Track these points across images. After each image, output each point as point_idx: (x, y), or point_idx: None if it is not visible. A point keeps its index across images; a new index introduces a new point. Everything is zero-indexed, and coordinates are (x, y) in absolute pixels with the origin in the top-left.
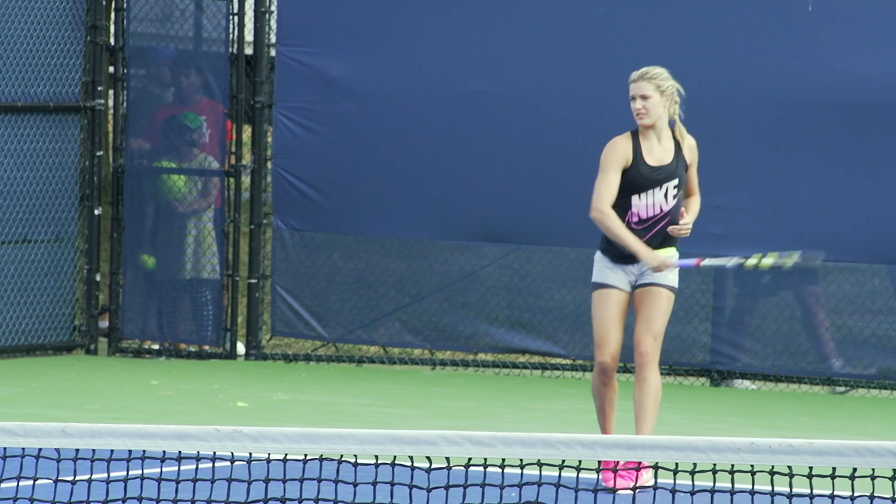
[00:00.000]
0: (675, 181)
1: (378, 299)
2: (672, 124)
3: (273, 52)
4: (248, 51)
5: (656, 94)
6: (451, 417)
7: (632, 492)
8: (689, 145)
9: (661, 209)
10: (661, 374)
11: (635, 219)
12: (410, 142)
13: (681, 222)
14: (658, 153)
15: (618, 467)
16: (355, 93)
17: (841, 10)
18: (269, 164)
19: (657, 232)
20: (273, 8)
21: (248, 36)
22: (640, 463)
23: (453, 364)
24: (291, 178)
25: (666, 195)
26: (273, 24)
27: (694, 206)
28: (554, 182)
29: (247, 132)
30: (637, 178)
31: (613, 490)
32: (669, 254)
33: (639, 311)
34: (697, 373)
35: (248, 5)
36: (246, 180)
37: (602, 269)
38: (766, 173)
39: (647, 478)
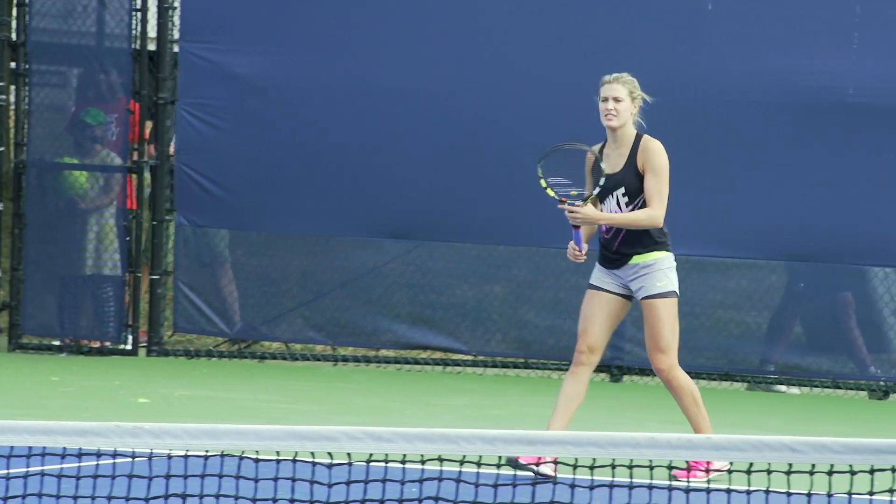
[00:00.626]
0: (622, 189)
1: (280, 295)
2: (641, 129)
3: (176, 49)
4: (152, 47)
5: (628, 98)
6: (353, 413)
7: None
8: (644, 148)
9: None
10: (562, 369)
11: (603, 227)
12: (314, 139)
13: (582, 208)
14: (613, 160)
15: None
16: (259, 89)
17: (743, 11)
18: (171, 161)
19: (622, 240)
20: (176, 4)
21: (152, 32)
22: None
23: (355, 360)
24: (194, 174)
25: (618, 203)
26: (176, 20)
27: (634, 213)
28: (456, 179)
29: (150, 128)
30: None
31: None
32: (646, 261)
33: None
34: (598, 369)
35: (152, 1)
36: (148, 176)
37: (595, 271)
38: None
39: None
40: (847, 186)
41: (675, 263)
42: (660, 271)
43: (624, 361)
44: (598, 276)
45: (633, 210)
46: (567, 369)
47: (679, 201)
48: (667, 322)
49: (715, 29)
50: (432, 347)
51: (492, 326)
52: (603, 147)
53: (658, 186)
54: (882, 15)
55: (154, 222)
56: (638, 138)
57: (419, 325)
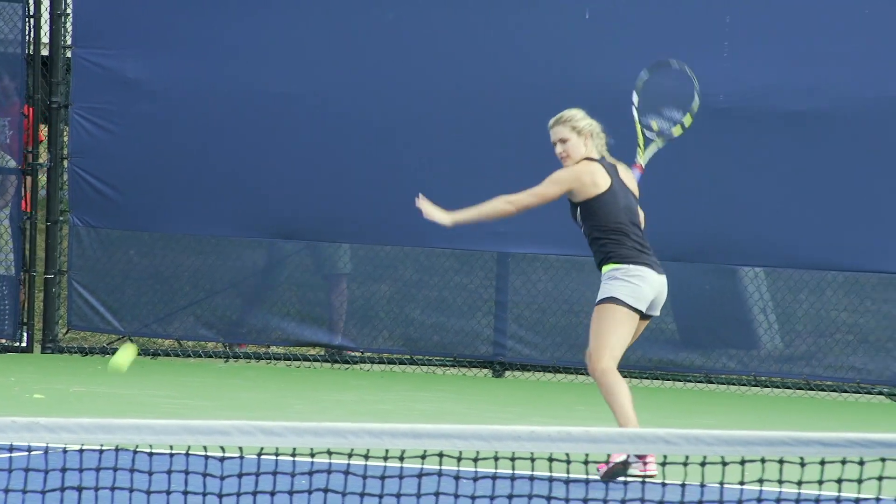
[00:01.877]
0: (570, 205)
1: (173, 294)
2: (612, 150)
3: (69, 54)
4: (45, 52)
5: (573, 134)
6: (244, 408)
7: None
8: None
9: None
10: (446, 365)
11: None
12: (206, 142)
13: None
14: None
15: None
16: (151, 94)
17: (618, 22)
18: (65, 163)
19: (593, 253)
20: (69, 11)
21: (45, 38)
22: None
23: (246, 357)
24: (88, 176)
25: (576, 219)
26: (69, 26)
27: (490, 203)
28: (344, 181)
29: (43, 132)
30: None
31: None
32: (605, 270)
33: None
34: (481, 364)
35: (45, 7)
36: (43, 178)
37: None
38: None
39: None
40: (718, 189)
41: (623, 273)
42: (604, 280)
43: (506, 358)
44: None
45: (577, 222)
46: (450, 365)
47: (557, 203)
48: (596, 326)
49: (591, 39)
50: (321, 344)
51: (378, 324)
52: None
53: (540, 185)
54: (750, 25)
55: (48, 223)
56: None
57: (308, 322)
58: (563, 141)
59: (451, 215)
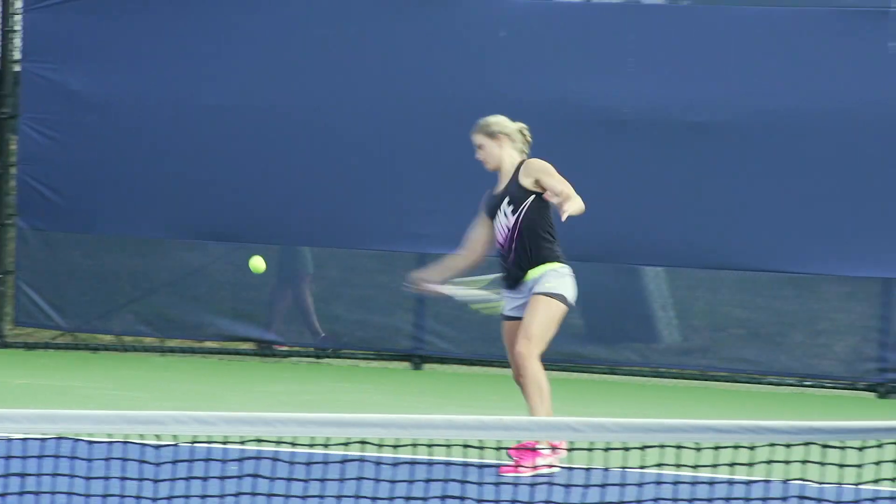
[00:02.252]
0: (507, 199)
1: (113, 293)
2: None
3: (18, 68)
4: None
5: (486, 139)
6: (180, 399)
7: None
8: (524, 168)
9: (506, 228)
10: (368, 359)
11: (497, 248)
12: (145, 149)
13: (569, 202)
14: (502, 184)
15: None
16: (95, 105)
17: (531, 39)
18: (12, 170)
19: (514, 261)
20: (17, 28)
21: None
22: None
23: (181, 351)
24: (34, 182)
25: (504, 213)
26: (17, 41)
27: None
28: (273, 185)
29: None
30: (487, 209)
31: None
32: (537, 274)
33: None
34: (401, 357)
35: None
36: None
37: (504, 300)
38: (457, 189)
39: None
40: (621, 193)
41: (568, 272)
42: (551, 274)
43: (424, 351)
44: (507, 303)
45: (516, 214)
46: (372, 358)
47: (471, 207)
48: (541, 316)
49: (508, 57)
50: (252, 339)
51: (303, 321)
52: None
53: (558, 179)
54: (652, 41)
55: None
56: (520, 164)
57: (240, 319)
58: (480, 147)
59: (579, 200)
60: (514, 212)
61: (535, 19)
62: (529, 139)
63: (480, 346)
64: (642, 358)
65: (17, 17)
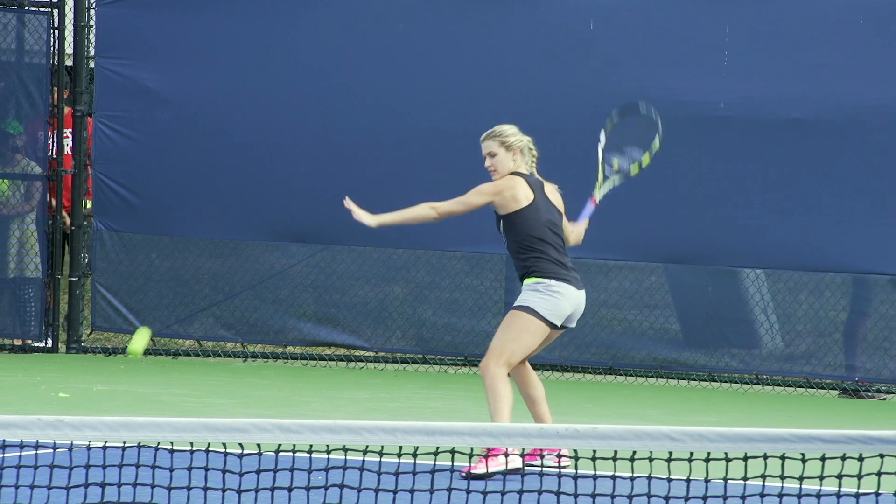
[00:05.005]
0: (495, 215)
1: (193, 296)
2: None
3: (92, 64)
4: (69, 62)
5: (501, 149)
6: (262, 406)
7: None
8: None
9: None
10: (457, 364)
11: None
12: (223, 148)
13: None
14: None
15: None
16: (170, 102)
17: (625, 34)
18: (88, 170)
19: (515, 268)
20: (92, 23)
21: (69, 49)
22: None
23: (264, 356)
24: (110, 182)
25: (498, 230)
26: (92, 37)
27: (413, 209)
28: (358, 185)
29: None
30: None
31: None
32: (525, 284)
33: None
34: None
35: (69, 20)
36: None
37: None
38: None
39: (499, 462)
40: (720, 194)
41: (551, 286)
42: (527, 287)
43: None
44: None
45: (501, 231)
46: (461, 364)
47: (567, 209)
48: (504, 330)
49: (598, 50)
50: (336, 344)
51: (392, 325)
52: None
53: (465, 195)
54: (748, 36)
55: (73, 227)
56: None
57: (323, 323)
58: (492, 155)
59: (376, 217)
60: (498, 229)
61: (626, 12)
62: (536, 154)
63: (573, 351)
64: (743, 364)
65: (92, 13)
